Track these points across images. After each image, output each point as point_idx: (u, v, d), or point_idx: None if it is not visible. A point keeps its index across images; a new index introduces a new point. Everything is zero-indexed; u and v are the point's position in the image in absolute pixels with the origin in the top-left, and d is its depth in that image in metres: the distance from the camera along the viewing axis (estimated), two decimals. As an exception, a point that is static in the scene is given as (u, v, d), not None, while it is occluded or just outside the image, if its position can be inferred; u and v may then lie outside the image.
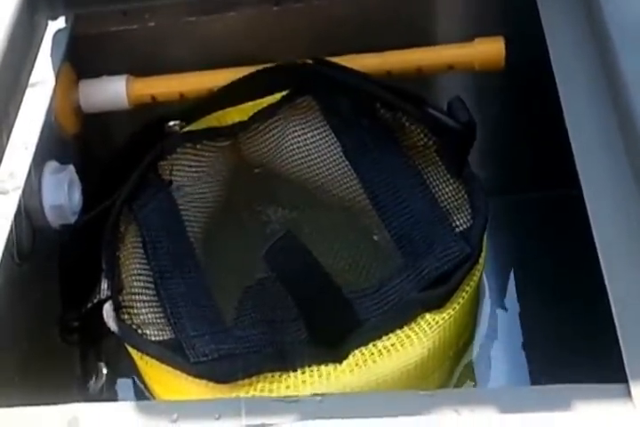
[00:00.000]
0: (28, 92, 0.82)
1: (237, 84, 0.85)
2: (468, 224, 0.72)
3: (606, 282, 0.59)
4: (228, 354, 0.65)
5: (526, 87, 0.89)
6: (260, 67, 0.84)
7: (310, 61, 0.83)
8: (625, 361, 0.56)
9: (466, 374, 0.75)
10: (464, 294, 0.68)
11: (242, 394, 0.63)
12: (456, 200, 0.74)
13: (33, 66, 0.84)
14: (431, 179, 0.76)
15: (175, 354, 0.65)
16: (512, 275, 0.94)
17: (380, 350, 0.65)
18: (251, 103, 0.86)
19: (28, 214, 0.74)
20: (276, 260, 0.66)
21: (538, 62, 0.77)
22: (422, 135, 0.78)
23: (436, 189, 0.75)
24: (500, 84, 0.92)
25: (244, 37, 0.91)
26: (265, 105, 0.85)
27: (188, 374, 0.65)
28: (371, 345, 0.65)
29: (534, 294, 0.91)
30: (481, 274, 0.72)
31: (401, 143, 0.79)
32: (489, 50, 0.84)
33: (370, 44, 0.88)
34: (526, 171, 0.99)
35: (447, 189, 0.75)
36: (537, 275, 0.92)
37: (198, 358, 0.65)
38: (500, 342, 0.85)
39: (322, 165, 0.83)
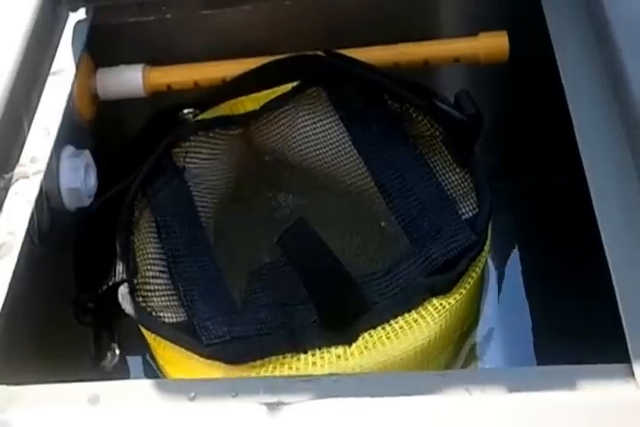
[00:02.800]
0: (50, 80, 0.80)
1: (250, 74, 0.83)
2: (474, 212, 0.70)
3: (610, 266, 0.58)
4: (240, 336, 0.63)
5: (529, 79, 0.88)
6: (272, 58, 0.83)
7: (321, 53, 0.81)
8: (628, 341, 0.55)
9: (470, 357, 0.74)
10: (470, 279, 0.67)
11: (253, 375, 0.62)
12: (462, 189, 0.73)
13: (54, 55, 0.83)
14: (437, 168, 0.75)
15: (188, 336, 0.64)
16: (517, 260, 0.93)
17: (388, 333, 0.63)
18: (263, 93, 0.84)
19: (46, 197, 0.72)
20: (288, 244, 0.65)
21: (540, 56, 0.76)
22: (429, 126, 0.76)
23: (443, 177, 0.74)
24: (504, 77, 0.90)
25: (256, 30, 0.90)
26: (276, 95, 0.83)
27: (201, 355, 0.63)
28: (379, 328, 0.63)
29: (539, 278, 0.90)
30: (486, 260, 0.71)
31: (408, 133, 0.77)
32: (493, 44, 0.83)
33: (378, 37, 0.86)
34: (530, 159, 0.98)
35: (453, 178, 0.73)
36: (541, 259, 0.90)
37: (211, 340, 0.63)
38: (505, 326, 0.84)
39: (330, 153, 0.81)
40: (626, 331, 0.55)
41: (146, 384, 0.55)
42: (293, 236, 0.64)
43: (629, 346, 0.54)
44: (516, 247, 0.94)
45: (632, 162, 0.64)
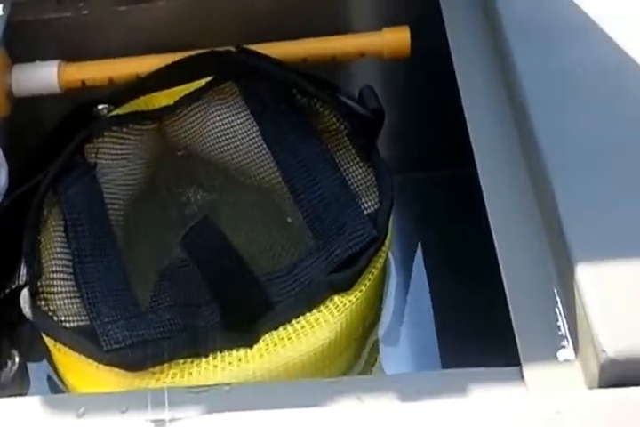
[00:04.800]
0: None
1: (164, 70, 0.77)
2: (376, 207, 0.65)
3: (501, 267, 0.53)
4: (141, 340, 0.57)
5: (430, 74, 0.82)
6: (186, 54, 0.76)
7: (233, 49, 0.75)
8: (518, 344, 0.50)
9: (373, 355, 0.68)
10: (370, 275, 0.62)
11: (154, 382, 0.56)
12: (365, 183, 0.67)
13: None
14: (342, 162, 0.69)
15: (88, 341, 0.57)
16: (420, 253, 0.87)
17: (289, 334, 0.57)
18: (177, 88, 0.77)
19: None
20: (192, 243, 0.59)
21: (441, 51, 0.70)
22: (335, 120, 0.71)
23: (347, 172, 0.68)
24: (407, 71, 0.84)
25: (172, 26, 0.83)
26: (191, 90, 0.76)
27: (100, 361, 0.56)
28: (281, 329, 0.58)
29: (442, 272, 0.84)
30: (387, 256, 0.65)
31: (316, 127, 0.72)
32: (395, 39, 0.77)
33: (287, 33, 0.79)
34: (430, 151, 0.92)
35: (357, 173, 0.68)
36: (444, 253, 0.85)
37: (111, 346, 0.57)
38: (408, 322, 0.78)
39: (241, 148, 0.75)
40: (516, 332, 0.50)
41: (32, 401, 0.49)
42: (197, 234, 0.59)
43: (519, 349, 0.49)
44: (420, 241, 0.88)
45: (521, 153, 0.59)
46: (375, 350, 0.68)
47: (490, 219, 0.56)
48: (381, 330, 0.68)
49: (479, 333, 0.72)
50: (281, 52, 0.77)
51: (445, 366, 0.77)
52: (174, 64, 0.76)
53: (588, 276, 0.48)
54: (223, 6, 0.81)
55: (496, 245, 0.54)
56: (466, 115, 0.62)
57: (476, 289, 0.72)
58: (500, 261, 0.53)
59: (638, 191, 0.52)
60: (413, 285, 0.83)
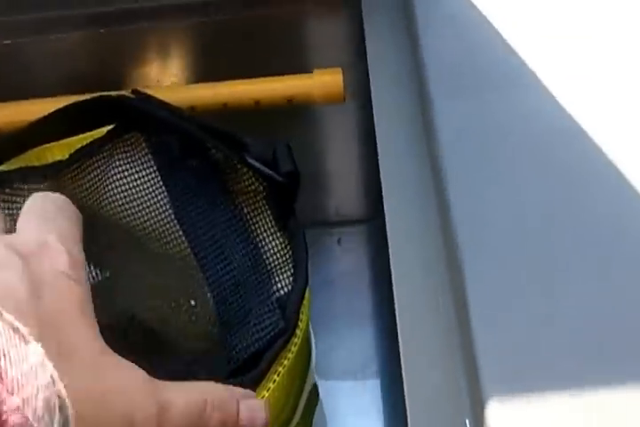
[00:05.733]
0: None
1: (54, 115, 0.64)
2: (288, 288, 0.54)
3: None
4: None
5: (361, 120, 0.71)
6: (78, 98, 0.64)
7: (128, 94, 0.63)
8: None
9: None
10: (275, 376, 0.50)
11: None
12: (280, 257, 0.56)
13: None
14: (259, 231, 0.58)
15: None
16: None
17: None
18: (75, 138, 0.65)
19: None
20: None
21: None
22: (252, 180, 0.59)
23: (263, 242, 0.57)
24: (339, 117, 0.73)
25: (68, 63, 0.72)
26: (89, 141, 0.64)
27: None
28: None
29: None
30: (301, 341, 0.53)
31: (231, 188, 0.60)
32: (328, 81, 0.66)
33: (206, 72, 0.69)
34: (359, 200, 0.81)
35: (273, 244, 0.57)
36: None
37: None
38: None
39: (147, 211, 0.63)
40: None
41: None
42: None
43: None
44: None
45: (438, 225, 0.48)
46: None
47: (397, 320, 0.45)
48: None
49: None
50: (196, 95, 0.66)
51: None
52: (63, 110, 0.64)
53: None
54: (126, 40, 0.70)
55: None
56: (381, 171, 0.50)
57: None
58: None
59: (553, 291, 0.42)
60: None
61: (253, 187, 0.59)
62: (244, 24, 0.68)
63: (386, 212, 0.48)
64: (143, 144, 0.64)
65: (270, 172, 0.55)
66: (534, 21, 0.55)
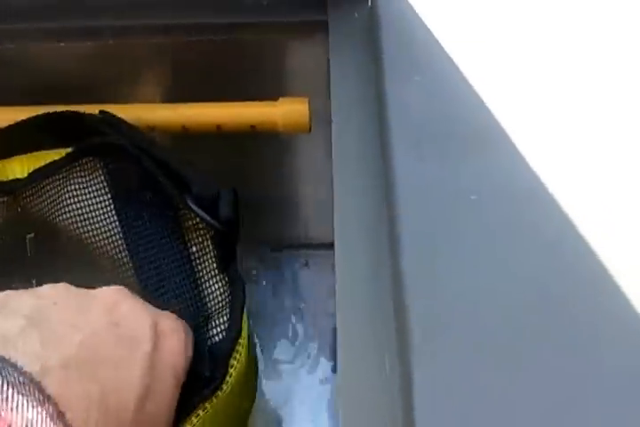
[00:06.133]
0: None
1: (12, 130, 0.62)
2: (222, 335, 0.51)
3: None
4: None
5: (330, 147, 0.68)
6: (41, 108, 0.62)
7: (97, 115, 0.61)
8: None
9: None
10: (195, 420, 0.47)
11: None
12: (219, 302, 0.53)
13: None
14: (203, 272, 0.55)
15: None
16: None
17: None
18: (37, 153, 0.63)
19: None
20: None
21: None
22: (200, 219, 0.56)
23: (205, 285, 0.54)
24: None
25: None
26: (48, 161, 0.62)
27: None
28: None
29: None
30: (231, 388, 0.50)
31: (181, 224, 0.57)
32: (292, 110, 0.62)
33: (171, 93, 0.66)
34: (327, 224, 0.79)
35: (214, 288, 0.54)
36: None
37: None
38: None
39: (98, 237, 0.60)
40: None
41: None
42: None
43: None
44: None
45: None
46: None
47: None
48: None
49: None
50: (159, 116, 0.63)
51: None
52: (28, 122, 0.61)
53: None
54: (97, 57, 0.67)
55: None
56: (334, 228, 0.47)
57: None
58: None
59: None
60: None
61: (201, 225, 0.56)
62: (214, 47, 0.64)
63: (336, 260, 0.45)
64: (100, 170, 0.61)
65: (208, 218, 0.53)
66: (506, 74, 0.52)
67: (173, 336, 0.46)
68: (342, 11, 0.60)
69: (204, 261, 0.55)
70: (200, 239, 0.56)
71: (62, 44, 0.65)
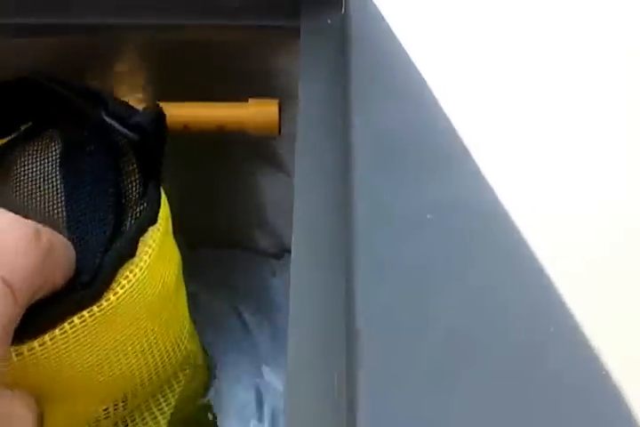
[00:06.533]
0: None
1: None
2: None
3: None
4: None
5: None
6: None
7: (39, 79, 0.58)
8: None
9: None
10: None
11: None
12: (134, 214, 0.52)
13: None
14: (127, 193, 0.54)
15: None
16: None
17: None
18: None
19: None
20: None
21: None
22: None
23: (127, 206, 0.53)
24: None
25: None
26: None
27: None
28: None
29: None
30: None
31: (121, 170, 0.55)
32: (261, 112, 0.62)
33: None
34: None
35: (134, 208, 0.52)
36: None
37: None
38: None
39: (44, 205, 0.58)
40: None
41: None
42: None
43: None
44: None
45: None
46: None
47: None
48: None
49: None
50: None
51: None
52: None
53: None
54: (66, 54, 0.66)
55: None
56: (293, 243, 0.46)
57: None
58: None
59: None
60: None
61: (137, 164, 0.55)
62: (184, 48, 0.64)
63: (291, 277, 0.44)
64: (58, 139, 0.60)
65: (120, 127, 0.52)
66: (473, 83, 0.51)
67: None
68: (315, 16, 0.59)
69: (129, 185, 0.54)
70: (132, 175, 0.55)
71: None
